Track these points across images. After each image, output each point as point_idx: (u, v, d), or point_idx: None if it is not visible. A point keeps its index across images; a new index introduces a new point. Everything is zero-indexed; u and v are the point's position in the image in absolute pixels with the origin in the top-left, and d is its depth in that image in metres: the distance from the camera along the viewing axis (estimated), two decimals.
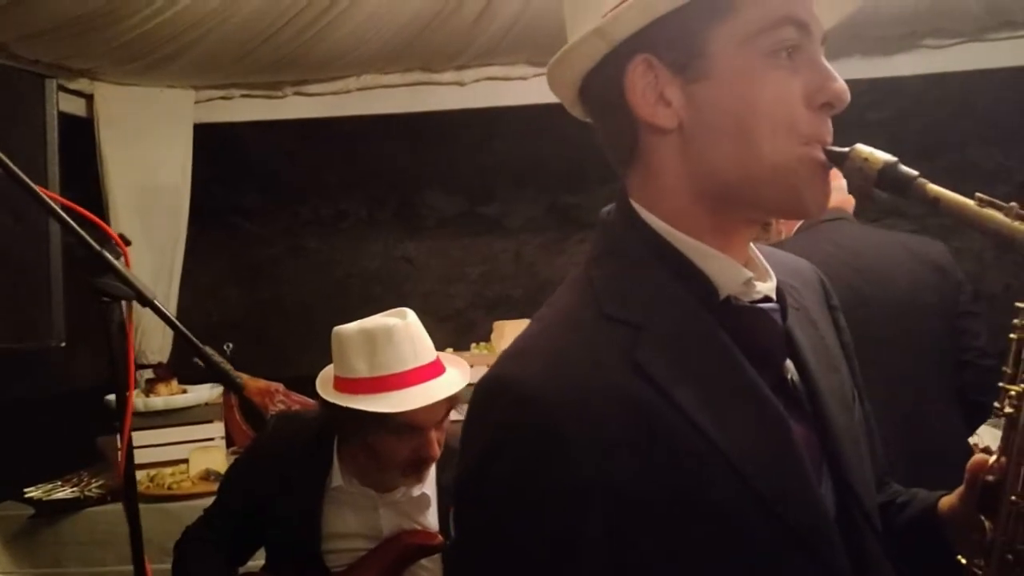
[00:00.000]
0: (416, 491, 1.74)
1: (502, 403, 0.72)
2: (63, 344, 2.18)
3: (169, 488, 2.78)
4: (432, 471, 1.74)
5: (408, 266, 7.41)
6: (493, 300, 7.31)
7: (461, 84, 3.66)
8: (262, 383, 3.41)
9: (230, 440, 3.18)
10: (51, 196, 1.24)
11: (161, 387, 3.05)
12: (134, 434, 2.95)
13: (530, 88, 3.63)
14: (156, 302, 1.28)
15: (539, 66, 3.61)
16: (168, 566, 2.77)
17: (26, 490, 2.96)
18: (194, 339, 1.31)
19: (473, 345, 3.25)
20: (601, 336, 0.74)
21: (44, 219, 2.10)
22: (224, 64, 3.44)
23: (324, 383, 1.72)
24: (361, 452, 1.70)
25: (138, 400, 2.97)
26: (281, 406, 3.34)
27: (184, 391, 3.11)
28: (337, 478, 1.74)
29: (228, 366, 1.33)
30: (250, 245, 6.25)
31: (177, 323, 1.30)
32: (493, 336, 3.18)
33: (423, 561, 1.75)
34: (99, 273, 1.23)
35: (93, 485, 2.97)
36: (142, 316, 3.60)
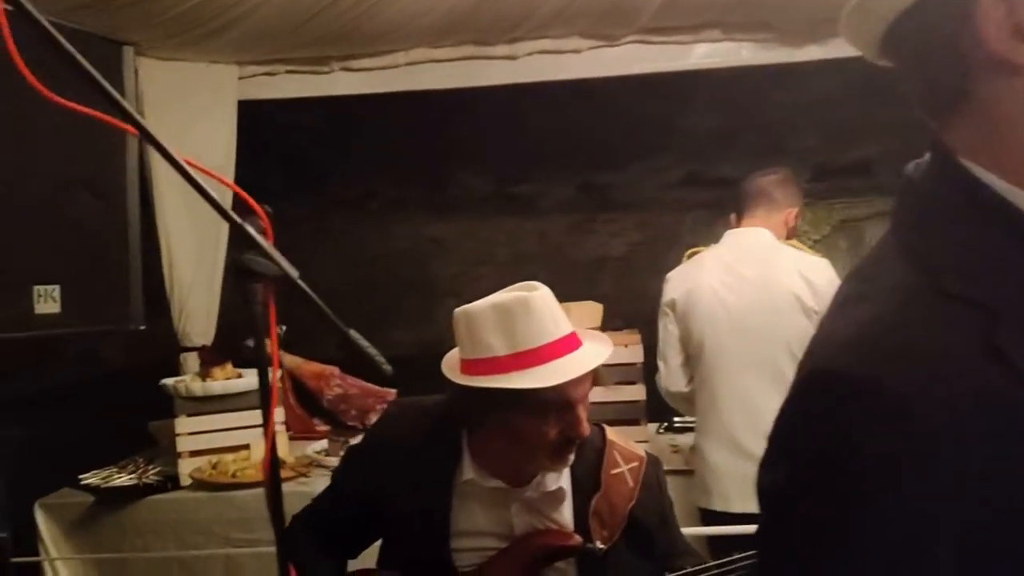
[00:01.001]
0: (552, 484, 1.63)
1: (849, 401, 0.63)
2: (142, 327, 2.10)
3: (234, 476, 2.71)
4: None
5: (436, 247, 7.32)
6: (518, 281, 7.24)
7: (513, 58, 3.55)
8: (316, 366, 3.33)
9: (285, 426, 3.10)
10: (192, 164, 1.15)
11: (217, 371, 2.96)
12: (191, 420, 2.89)
13: (583, 61, 3.52)
14: (299, 280, 1.19)
15: (593, 38, 3.50)
16: (228, 551, 2.71)
17: (81, 477, 2.89)
18: (338, 321, 1.22)
19: None
20: (946, 318, 0.65)
21: (123, 198, 2.02)
22: (271, 39, 3.33)
23: (451, 369, 1.60)
24: (499, 439, 1.58)
25: (196, 385, 2.89)
26: (338, 390, 3.26)
27: (239, 375, 3.02)
28: (468, 471, 1.62)
29: (374, 351, 1.23)
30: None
31: (319, 302, 1.21)
32: None
33: (558, 564, 1.65)
34: (242, 249, 1.14)
35: (151, 472, 2.90)
36: (187, 298, 3.50)
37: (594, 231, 7.12)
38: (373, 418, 3.20)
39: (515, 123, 5.80)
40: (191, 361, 3.76)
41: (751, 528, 0.73)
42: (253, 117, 4.28)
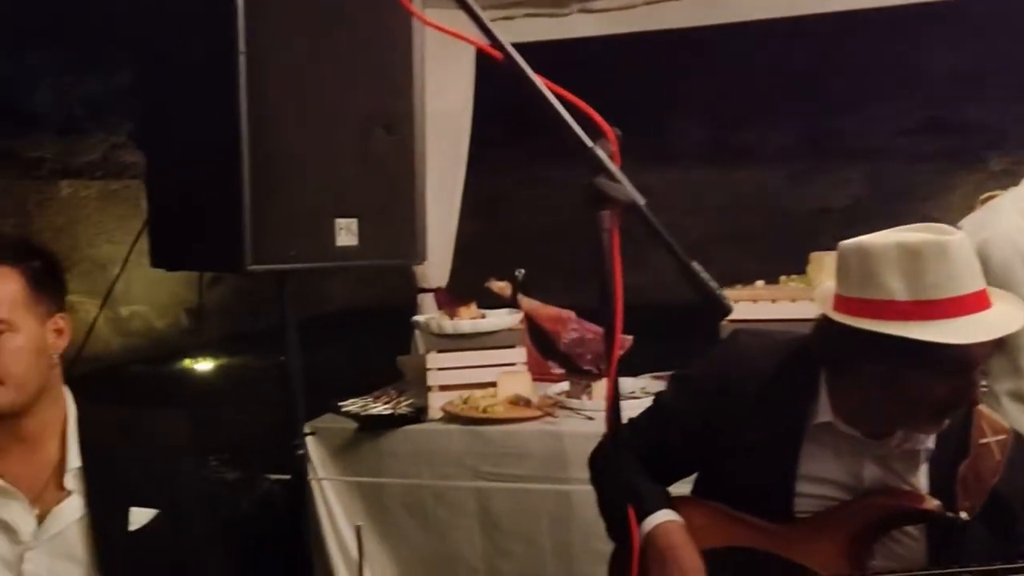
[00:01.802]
0: (918, 443, 1.53)
1: None
2: (425, 261, 2.16)
3: (484, 411, 2.79)
4: None
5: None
6: (732, 234, 7.00)
7: None
8: (553, 310, 3.35)
9: None
10: (550, 87, 1.14)
11: (463, 310, 3.05)
12: (441, 356, 3.00)
13: None
14: (645, 208, 1.16)
15: None
16: (479, 484, 2.81)
17: (341, 404, 3.07)
18: (680, 251, 1.18)
19: (783, 277, 3.02)
20: None
21: (412, 135, 2.07)
22: None
23: (824, 303, 1.52)
24: (872, 387, 1.46)
25: (446, 323, 2.99)
26: (574, 334, 3.27)
27: (483, 315, 3.09)
28: (824, 414, 1.54)
29: (715, 284, 1.19)
30: (486, 175, 6.21)
31: (662, 230, 1.18)
32: (810, 268, 2.94)
33: (908, 528, 1.56)
34: (592, 172, 1.12)
35: (403, 403, 3.03)
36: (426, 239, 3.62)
37: (815, 181, 6.76)
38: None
39: (739, 67, 5.56)
40: (427, 301, 3.91)
41: None
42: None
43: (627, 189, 1.13)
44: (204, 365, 6.43)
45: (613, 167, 1.15)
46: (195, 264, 2.05)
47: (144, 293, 6.04)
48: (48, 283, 1.53)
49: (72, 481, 1.51)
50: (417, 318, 3.27)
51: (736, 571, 1.62)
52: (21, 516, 1.46)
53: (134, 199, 7.11)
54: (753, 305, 2.86)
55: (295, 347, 2.03)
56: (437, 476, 2.85)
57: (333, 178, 1.93)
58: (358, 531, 2.17)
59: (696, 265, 1.19)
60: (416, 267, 3.88)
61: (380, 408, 3.02)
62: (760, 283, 3.04)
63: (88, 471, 1.52)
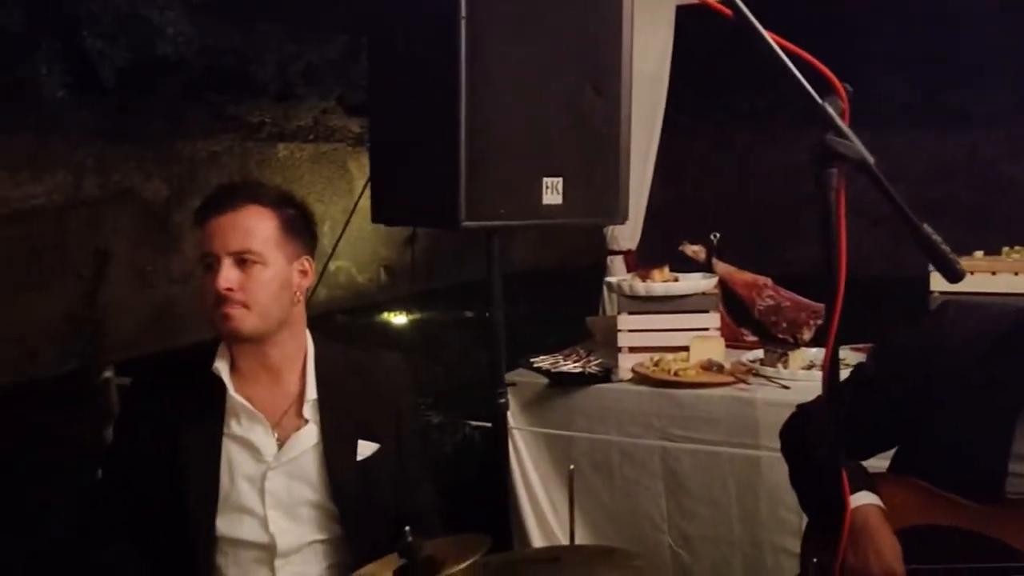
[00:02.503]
0: None
1: None
2: (626, 221, 2.19)
3: (675, 374, 2.80)
4: None
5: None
6: (936, 201, 6.54)
7: None
8: (748, 276, 3.30)
9: None
10: (780, 43, 1.13)
11: (656, 273, 3.06)
12: (632, 318, 3.03)
13: None
14: (874, 167, 1.14)
15: None
16: (666, 445, 2.83)
17: (533, 360, 3.17)
18: (911, 213, 1.15)
19: (1006, 249, 2.82)
20: None
21: (619, 96, 2.09)
22: None
23: None
24: None
25: (638, 285, 3.01)
26: (770, 301, 3.21)
27: (676, 279, 3.09)
28: None
29: (947, 247, 1.15)
30: (678, 139, 6.11)
31: (891, 190, 1.15)
32: None
33: None
34: (822, 130, 1.11)
35: (592, 362, 3.09)
36: None
37: None
38: (805, 333, 3.11)
39: (947, 21, 5.14)
40: (617, 264, 3.94)
41: None
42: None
43: (858, 147, 1.12)
44: (399, 318, 6.79)
45: (843, 124, 1.13)
46: (412, 220, 2.18)
47: (348, 250, 6.44)
48: (299, 229, 1.68)
49: (309, 411, 1.67)
50: (609, 279, 3.31)
51: (939, 551, 1.57)
52: (264, 439, 1.63)
53: (341, 161, 7.59)
54: (969, 277, 2.69)
55: (499, 300, 2.12)
56: (624, 435, 2.89)
57: (541, 138, 1.98)
58: (571, 474, 2.26)
59: (927, 228, 1.16)
60: (607, 229, 3.92)
61: (570, 366, 3.09)
62: (979, 254, 2.85)
63: (322, 403, 1.67)
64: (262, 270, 1.59)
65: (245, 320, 1.58)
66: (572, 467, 2.24)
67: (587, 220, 2.11)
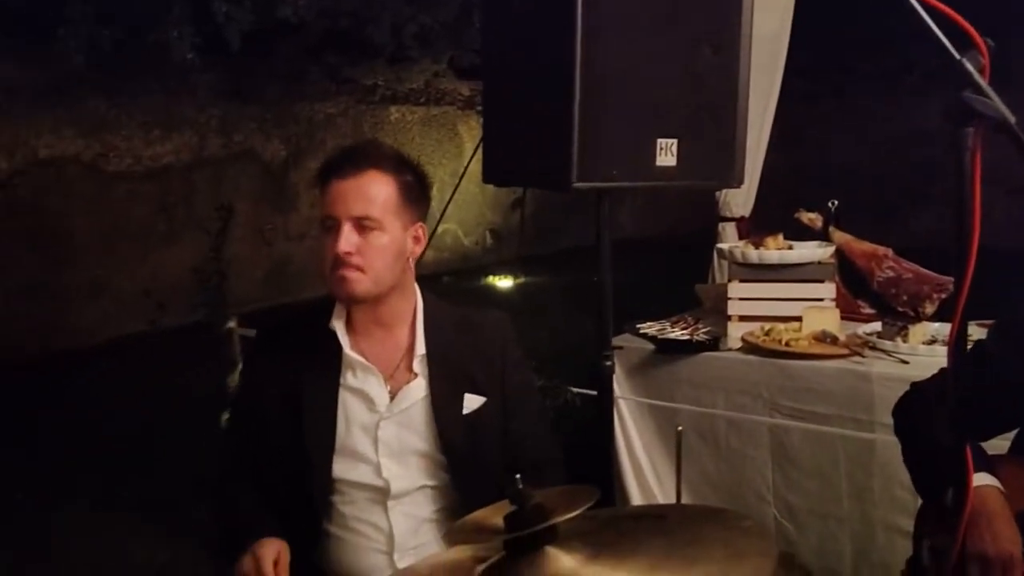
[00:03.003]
0: None
1: None
2: (741, 185, 2.13)
3: (787, 344, 2.73)
4: None
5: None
6: None
7: None
8: (868, 246, 3.17)
9: None
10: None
11: (770, 241, 2.97)
12: (743, 285, 2.96)
13: None
14: (1015, 126, 1.07)
15: None
16: (776, 418, 2.77)
17: (639, 325, 3.14)
18: None
19: None
20: None
21: (737, 57, 2.02)
22: None
23: None
24: None
25: (751, 252, 2.94)
26: (890, 272, 3.08)
27: (790, 247, 3.00)
28: None
29: None
30: (794, 104, 5.88)
31: None
32: None
33: None
34: (959, 87, 1.05)
35: (700, 330, 3.05)
36: None
37: None
38: (928, 307, 2.97)
39: None
40: (729, 231, 3.86)
41: None
42: None
43: (997, 105, 1.05)
44: (503, 282, 6.85)
45: (982, 81, 1.06)
46: (523, 181, 2.18)
47: (455, 212, 6.53)
48: (416, 195, 1.71)
49: (418, 365, 1.71)
50: (720, 246, 3.24)
51: None
52: (377, 390, 1.69)
53: (450, 124, 7.67)
54: None
55: (608, 262, 2.11)
56: (732, 405, 2.85)
57: (656, 98, 1.95)
58: (678, 435, 2.26)
59: None
60: (719, 195, 3.84)
61: (677, 333, 3.06)
62: None
63: (431, 358, 1.71)
64: (379, 236, 1.64)
65: (360, 284, 1.63)
66: (680, 428, 2.22)
67: (701, 183, 2.06)
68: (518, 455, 1.75)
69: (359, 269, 1.63)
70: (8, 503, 3.58)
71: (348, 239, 1.61)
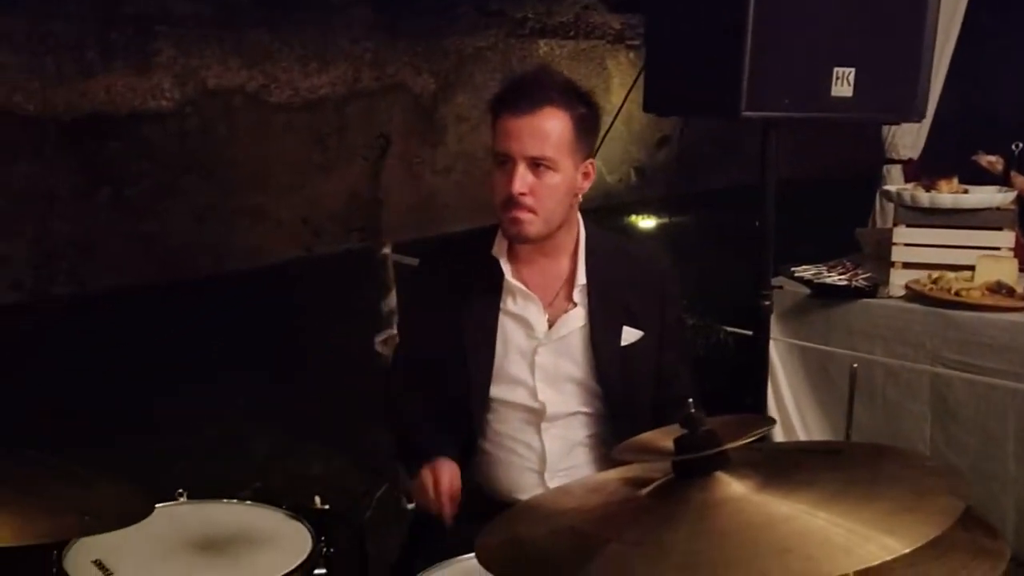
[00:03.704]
0: None
1: None
2: (923, 119, 2.02)
3: (956, 294, 2.58)
4: None
5: None
6: None
7: None
8: None
9: None
10: None
11: (943, 184, 2.79)
12: (910, 231, 2.80)
13: None
14: None
15: None
16: (939, 370, 2.64)
17: (794, 269, 3.04)
18: None
19: None
20: None
21: None
22: None
23: None
24: None
25: (921, 195, 2.77)
26: None
27: (965, 191, 2.81)
28: None
29: None
30: (972, 43, 5.43)
31: None
32: None
33: None
34: None
35: (860, 276, 2.92)
36: None
37: None
38: None
39: None
40: (895, 173, 3.65)
41: None
42: None
43: None
44: (646, 221, 6.76)
45: None
46: (686, 110, 2.14)
47: (600, 149, 6.43)
48: (588, 128, 1.69)
49: (578, 295, 1.72)
50: (887, 188, 3.08)
51: None
52: (537, 317, 1.71)
53: (599, 59, 7.54)
54: None
55: (772, 200, 2.05)
56: (890, 354, 2.73)
57: (834, 25, 1.86)
58: (853, 371, 2.20)
59: None
60: (886, 135, 3.63)
61: (835, 278, 2.94)
62: None
63: (591, 288, 1.72)
64: (553, 176, 1.63)
65: (531, 225, 1.64)
66: (855, 365, 2.16)
67: (879, 115, 1.97)
68: (663, 390, 1.75)
69: (531, 211, 1.63)
70: (183, 402, 3.86)
71: (523, 180, 1.61)
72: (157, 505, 1.49)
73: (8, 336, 4.48)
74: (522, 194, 1.61)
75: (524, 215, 1.63)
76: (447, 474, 1.62)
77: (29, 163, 5.17)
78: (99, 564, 1.48)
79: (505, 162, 1.63)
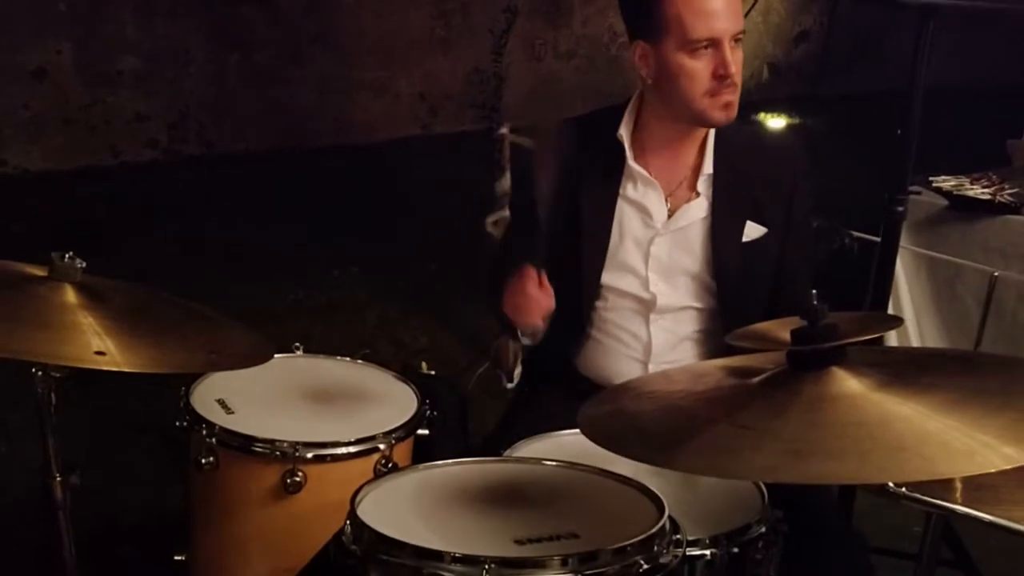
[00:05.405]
0: None
1: None
2: None
3: None
4: None
5: None
6: None
7: None
8: None
9: None
10: None
11: None
12: None
13: None
14: None
15: None
16: None
17: (932, 179, 2.88)
18: None
19: None
20: None
21: None
22: None
23: None
24: None
25: None
26: None
27: None
28: None
29: None
30: None
31: None
32: None
33: None
34: None
35: (1006, 191, 2.73)
36: None
37: None
38: None
39: None
40: None
41: None
42: None
43: None
44: (776, 121, 6.45)
45: None
46: None
47: None
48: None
49: (703, 185, 1.66)
50: None
51: None
52: (656, 205, 1.66)
53: None
54: None
55: (920, 96, 1.90)
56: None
57: None
58: (992, 281, 2.10)
59: None
60: None
61: (977, 191, 2.77)
62: None
63: (717, 179, 1.65)
64: (740, 49, 1.57)
65: (735, 104, 1.58)
66: (996, 274, 2.05)
67: None
68: (780, 291, 1.69)
69: (735, 89, 1.57)
70: (292, 265, 4.01)
71: (735, 58, 1.55)
72: (276, 355, 1.58)
73: (145, 192, 4.73)
74: (735, 73, 1.55)
75: (734, 96, 1.57)
76: (534, 273, 1.53)
77: (165, 23, 5.30)
78: (222, 403, 1.59)
79: (708, 45, 1.54)
